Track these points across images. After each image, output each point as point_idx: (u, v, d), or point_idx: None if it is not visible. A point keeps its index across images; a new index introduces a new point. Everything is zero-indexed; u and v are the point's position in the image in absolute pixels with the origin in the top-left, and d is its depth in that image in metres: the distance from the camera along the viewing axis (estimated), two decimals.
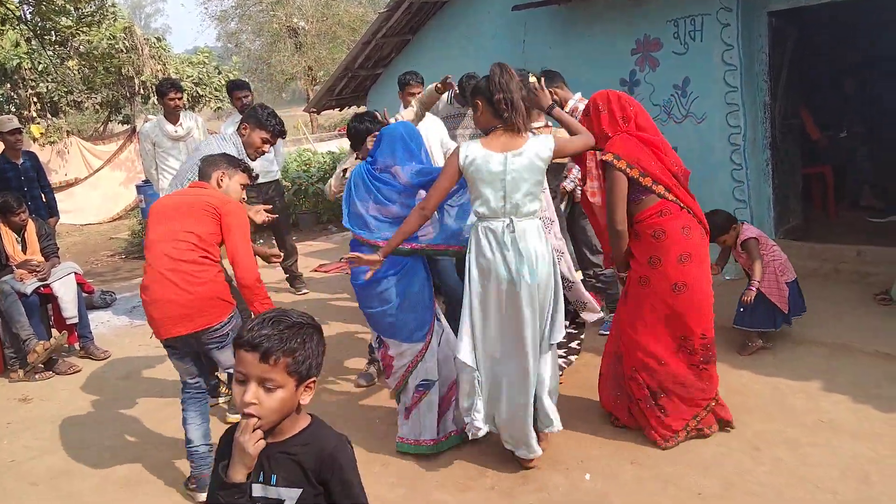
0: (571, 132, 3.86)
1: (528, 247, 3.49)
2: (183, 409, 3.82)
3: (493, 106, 3.54)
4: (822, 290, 5.82)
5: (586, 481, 3.58)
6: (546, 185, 3.89)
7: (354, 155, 4.65)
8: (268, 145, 4.58)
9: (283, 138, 4.89)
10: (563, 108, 5.27)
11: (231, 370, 3.71)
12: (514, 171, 3.49)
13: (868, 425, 3.82)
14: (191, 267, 3.58)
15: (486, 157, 3.50)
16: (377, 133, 4.12)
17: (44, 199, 7.03)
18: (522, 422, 3.63)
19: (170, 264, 3.58)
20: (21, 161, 6.75)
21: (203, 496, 3.69)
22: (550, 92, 4.94)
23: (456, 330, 3.83)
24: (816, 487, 3.33)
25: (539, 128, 4.48)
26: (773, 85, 6.50)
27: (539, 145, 3.54)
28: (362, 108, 10.76)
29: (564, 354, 4.54)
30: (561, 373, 4.27)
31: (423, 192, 3.80)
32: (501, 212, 3.52)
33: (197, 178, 3.96)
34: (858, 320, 5.16)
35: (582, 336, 4.69)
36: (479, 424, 3.68)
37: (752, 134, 6.45)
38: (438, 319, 4.00)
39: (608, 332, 5.37)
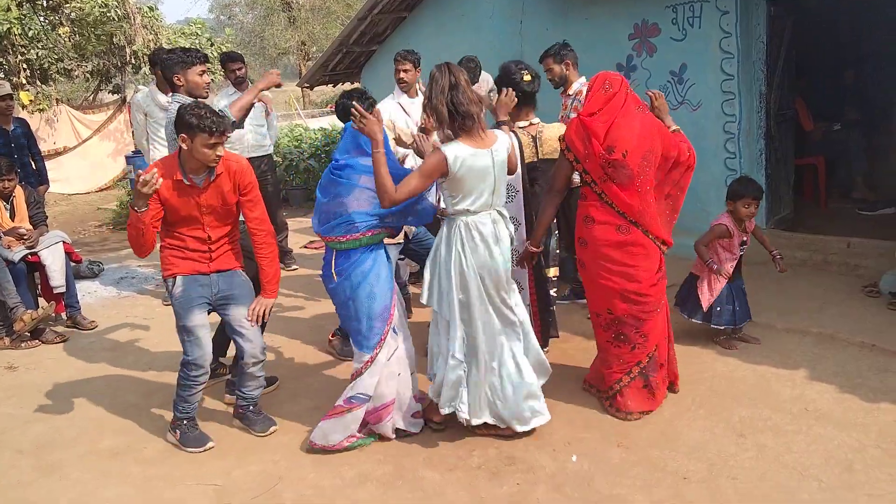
0: None
1: (506, 233, 3.70)
2: None
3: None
4: (811, 281, 5.87)
5: (573, 463, 3.61)
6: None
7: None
8: (207, 74, 4.48)
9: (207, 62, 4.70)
10: (566, 89, 5.33)
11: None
12: (499, 164, 3.61)
13: (852, 414, 3.86)
14: None
15: (475, 155, 3.53)
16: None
17: (34, 167, 6.96)
18: (517, 393, 3.75)
19: None
20: (12, 128, 6.67)
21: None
22: (564, 66, 5.05)
23: None
24: (800, 474, 3.36)
25: (525, 126, 4.61)
26: (770, 74, 6.50)
27: (508, 141, 3.72)
28: (356, 85, 10.70)
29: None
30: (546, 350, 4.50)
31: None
32: (489, 204, 3.64)
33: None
34: (846, 311, 5.20)
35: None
36: (466, 416, 3.76)
37: (747, 123, 6.46)
38: (395, 332, 3.86)
39: None
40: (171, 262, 3.94)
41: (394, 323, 3.83)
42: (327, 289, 3.92)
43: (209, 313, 4.02)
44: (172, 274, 3.93)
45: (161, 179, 3.64)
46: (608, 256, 3.93)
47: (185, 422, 4.00)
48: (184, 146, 3.69)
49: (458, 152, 3.49)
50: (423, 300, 3.78)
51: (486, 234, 3.60)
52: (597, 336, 4.19)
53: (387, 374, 3.82)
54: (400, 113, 5.54)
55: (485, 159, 3.54)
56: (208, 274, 3.96)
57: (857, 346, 4.66)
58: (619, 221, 3.89)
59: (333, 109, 4.69)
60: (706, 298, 4.71)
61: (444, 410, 3.79)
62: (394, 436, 3.92)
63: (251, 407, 4.12)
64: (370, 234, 3.75)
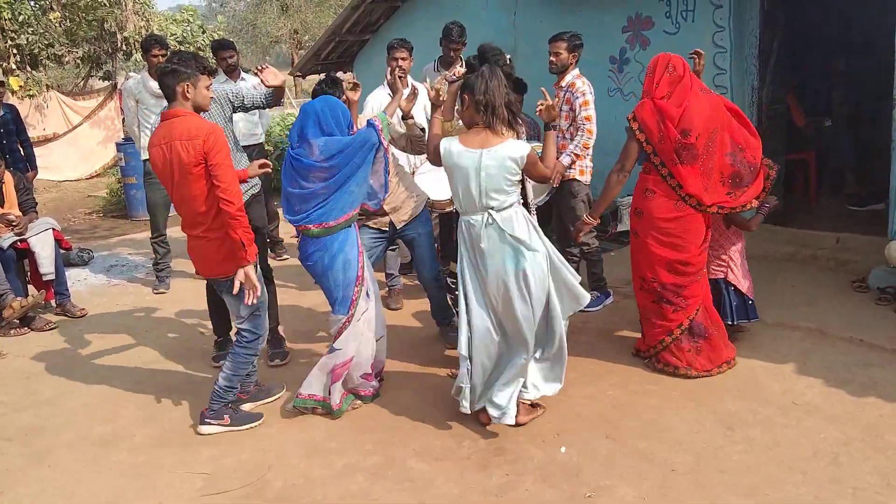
0: (545, 158, 3.84)
1: (506, 238, 3.66)
2: None
3: (475, 105, 3.67)
4: (800, 276, 5.89)
5: (561, 454, 3.62)
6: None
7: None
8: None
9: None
10: (559, 80, 5.31)
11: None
12: (487, 168, 3.62)
13: (839, 408, 3.89)
14: (210, 235, 3.82)
15: (461, 153, 3.66)
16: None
17: (22, 153, 6.91)
18: (512, 392, 3.79)
19: (195, 231, 3.87)
20: (1, 113, 6.63)
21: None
22: (572, 56, 5.24)
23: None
24: (787, 467, 3.39)
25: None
26: (762, 69, 6.51)
27: (512, 149, 3.64)
28: (349, 74, 10.65)
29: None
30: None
31: (341, 167, 3.90)
32: (479, 206, 3.67)
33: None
34: (834, 306, 5.23)
35: None
36: (466, 410, 3.83)
37: None
38: (368, 295, 4.10)
39: (588, 310, 5.43)
40: None
41: (366, 286, 4.06)
42: (304, 266, 4.14)
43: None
44: None
45: None
46: (662, 228, 4.20)
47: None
48: (189, 93, 3.78)
49: (448, 146, 3.72)
50: None
51: (473, 235, 3.70)
52: (639, 299, 4.50)
53: (354, 332, 4.05)
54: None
55: (469, 160, 3.64)
56: None
57: (846, 341, 4.69)
58: (677, 196, 4.15)
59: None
60: (745, 284, 4.65)
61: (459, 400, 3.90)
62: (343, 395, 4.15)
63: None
64: (327, 225, 3.93)
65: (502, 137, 3.67)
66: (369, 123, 4.01)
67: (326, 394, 4.09)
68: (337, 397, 4.09)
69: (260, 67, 4.52)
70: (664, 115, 4.06)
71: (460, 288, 3.81)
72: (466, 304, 3.78)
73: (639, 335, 4.66)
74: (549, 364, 3.91)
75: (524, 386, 3.85)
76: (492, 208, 3.66)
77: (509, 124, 3.70)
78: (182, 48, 15.20)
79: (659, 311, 4.35)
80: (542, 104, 3.88)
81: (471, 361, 3.79)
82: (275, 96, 4.74)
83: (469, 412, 3.84)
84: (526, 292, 3.67)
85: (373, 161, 4.02)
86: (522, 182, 4.23)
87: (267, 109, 6.84)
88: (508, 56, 4.44)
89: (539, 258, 3.69)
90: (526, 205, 4.11)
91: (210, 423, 4.00)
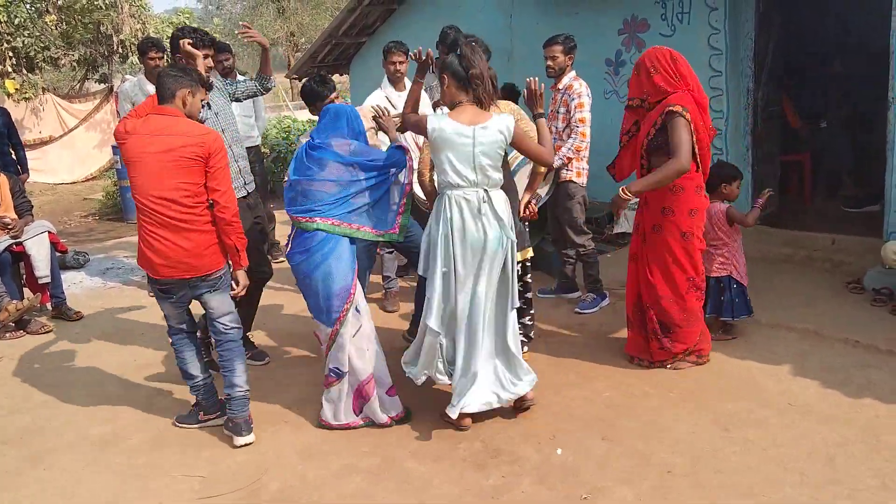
0: (541, 140, 3.94)
1: (499, 214, 3.73)
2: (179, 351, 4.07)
3: (458, 80, 3.74)
4: (796, 277, 5.90)
5: (557, 455, 3.62)
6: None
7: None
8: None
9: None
10: (556, 83, 5.33)
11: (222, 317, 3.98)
12: (481, 144, 3.68)
13: (836, 410, 3.90)
14: (190, 227, 3.74)
15: (454, 129, 3.69)
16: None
17: (14, 157, 6.90)
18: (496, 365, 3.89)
19: (169, 224, 3.72)
20: None
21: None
22: (568, 59, 5.29)
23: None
24: (784, 468, 3.39)
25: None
26: (757, 71, 6.53)
27: (502, 122, 3.74)
28: (344, 77, 10.67)
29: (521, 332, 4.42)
30: (525, 349, 4.48)
31: (361, 174, 3.89)
32: (474, 182, 3.71)
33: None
34: (830, 308, 5.24)
35: (532, 311, 4.69)
36: (444, 380, 3.98)
37: (735, 120, 6.49)
38: (357, 311, 3.94)
39: (584, 312, 5.45)
40: None
41: (355, 302, 3.92)
42: (290, 266, 4.02)
43: None
44: None
45: None
46: (702, 216, 4.38)
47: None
48: (188, 101, 3.83)
49: (439, 122, 3.73)
50: (420, 271, 3.99)
51: (468, 209, 3.71)
52: (685, 302, 4.37)
53: (356, 349, 3.93)
54: (388, 106, 5.51)
55: (464, 137, 3.67)
56: None
57: (842, 342, 4.70)
58: (699, 183, 4.31)
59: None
60: (745, 280, 4.82)
61: (420, 379, 4.00)
62: (387, 421, 3.97)
63: None
64: (330, 222, 3.85)
65: (488, 113, 3.76)
66: (399, 149, 3.99)
67: (359, 418, 4.01)
68: (382, 416, 3.98)
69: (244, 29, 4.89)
70: (699, 105, 4.18)
71: (438, 265, 3.79)
72: (452, 284, 3.79)
73: None
74: (503, 367, 3.90)
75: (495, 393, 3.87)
76: (486, 185, 3.73)
77: (492, 98, 3.81)
78: None
79: (699, 302, 4.47)
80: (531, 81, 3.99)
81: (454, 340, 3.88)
82: (265, 80, 5.01)
83: (445, 379, 3.94)
84: (492, 276, 3.77)
85: (390, 184, 4.00)
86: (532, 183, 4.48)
87: (261, 98, 6.85)
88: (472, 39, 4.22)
89: (512, 240, 3.81)
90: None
91: (251, 430, 3.92)
